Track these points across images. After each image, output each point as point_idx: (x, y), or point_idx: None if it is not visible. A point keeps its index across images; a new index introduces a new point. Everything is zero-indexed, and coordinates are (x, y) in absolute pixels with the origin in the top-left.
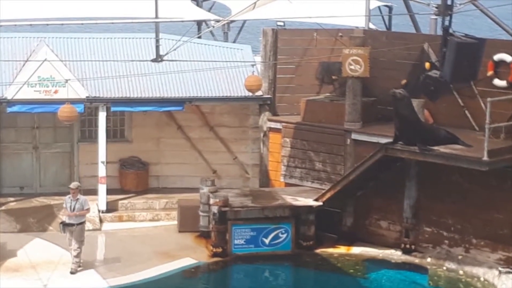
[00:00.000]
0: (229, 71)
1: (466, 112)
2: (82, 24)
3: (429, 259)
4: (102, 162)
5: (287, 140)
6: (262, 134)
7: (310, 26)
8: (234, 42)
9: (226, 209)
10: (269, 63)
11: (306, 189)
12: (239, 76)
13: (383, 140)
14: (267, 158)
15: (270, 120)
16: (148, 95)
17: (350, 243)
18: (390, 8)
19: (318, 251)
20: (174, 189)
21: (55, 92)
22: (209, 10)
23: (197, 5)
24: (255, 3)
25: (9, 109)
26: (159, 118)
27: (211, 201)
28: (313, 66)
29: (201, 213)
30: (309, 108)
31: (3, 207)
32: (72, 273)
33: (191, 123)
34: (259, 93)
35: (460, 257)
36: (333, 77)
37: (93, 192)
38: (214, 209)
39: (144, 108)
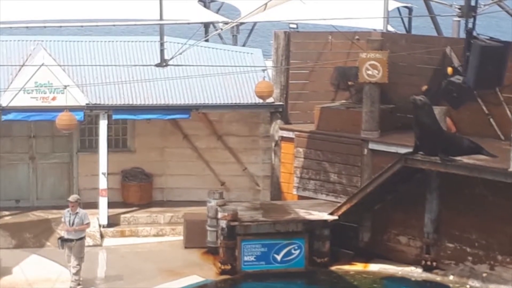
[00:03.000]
0: (239, 76)
1: (491, 120)
2: (82, 26)
3: (451, 277)
4: (103, 174)
5: (300, 150)
6: (273, 144)
7: (324, 29)
8: (243, 45)
9: (235, 223)
10: (281, 68)
11: (320, 203)
12: (249, 82)
13: (403, 150)
14: (279, 169)
15: (282, 129)
16: (152, 102)
17: (367, 259)
18: (410, 10)
19: (333, 268)
20: (180, 202)
21: (53, 99)
22: (217, 11)
23: (205, 6)
24: (266, 4)
25: (4, 117)
26: (164, 127)
27: (219, 215)
28: (328, 71)
29: (208, 228)
30: (323, 116)
31: None
32: None
33: (198, 132)
34: (270, 100)
35: (484, 274)
36: (349, 83)
37: (94, 205)
38: (223, 223)
39: (148, 116)
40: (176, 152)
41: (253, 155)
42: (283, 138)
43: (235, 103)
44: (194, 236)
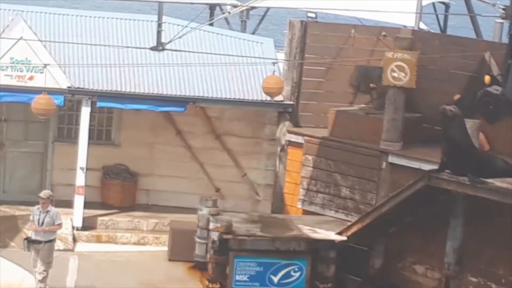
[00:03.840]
0: (245, 68)
1: None
2: None
3: None
4: (81, 169)
5: (309, 158)
6: (279, 149)
7: (347, 21)
8: (253, 33)
9: (229, 236)
10: (294, 62)
11: (328, 220)
12: (256, 76)
13: (427, 167)
14: (283, 178)
15: (290, 132)
16: (144, 90)
17: None
18: (446, 6)
19: None
20: (167, 207)
21: (30, 78)
22: None
23: None
24: None
25: None
26: (155, 120)
27: (211, 225)
28: (348, 70)
29: (197, 240)
30: (339, 121)
31: None
32: None
33: (193, 128)
34: (279, 98)
35: None
36: (371, 85)
37: (68, 204)
38: (214, 235)
39: (138, 106)
40: (167, 150)
41: (255, 159)
42: (290, 143)
43: (239, 99)
44: (180, 248)
